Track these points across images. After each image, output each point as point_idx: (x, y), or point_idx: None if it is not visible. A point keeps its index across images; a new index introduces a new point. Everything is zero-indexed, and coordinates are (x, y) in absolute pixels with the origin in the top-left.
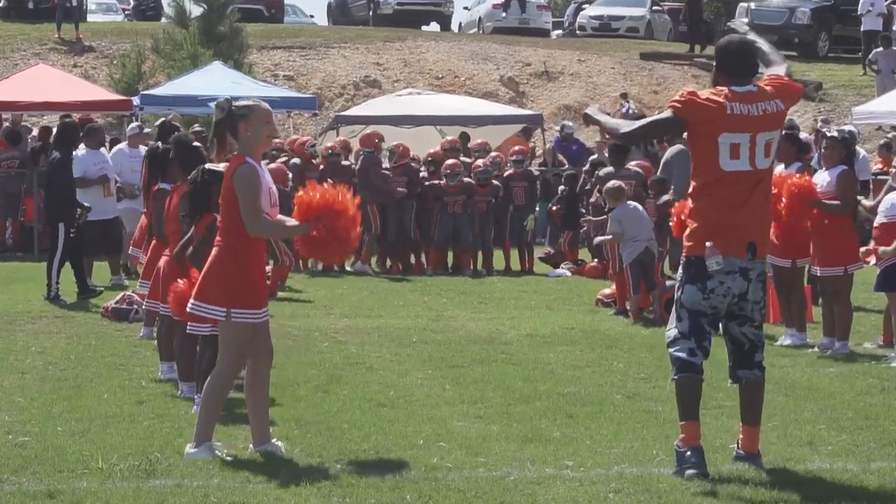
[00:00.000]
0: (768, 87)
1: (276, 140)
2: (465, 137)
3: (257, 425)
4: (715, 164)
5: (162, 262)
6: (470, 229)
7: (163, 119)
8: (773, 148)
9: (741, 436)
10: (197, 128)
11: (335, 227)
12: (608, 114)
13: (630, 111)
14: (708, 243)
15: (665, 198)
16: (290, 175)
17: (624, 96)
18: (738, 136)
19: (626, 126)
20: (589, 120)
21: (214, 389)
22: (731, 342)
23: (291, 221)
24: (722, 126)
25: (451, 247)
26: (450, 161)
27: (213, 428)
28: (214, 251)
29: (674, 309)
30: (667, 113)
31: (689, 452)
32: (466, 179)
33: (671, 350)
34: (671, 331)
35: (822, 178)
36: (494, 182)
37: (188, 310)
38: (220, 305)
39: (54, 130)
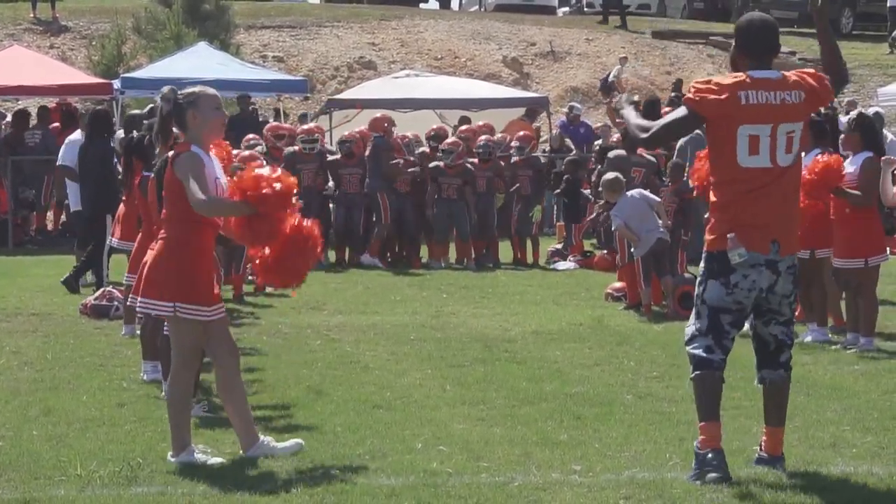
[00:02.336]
0: (794, 77)
1: (283, 126)
2: (464, 122)
3: (242, 428)
4: (733, 160)
5: (148, 255)
6: (466, 217)
7: (133, 112)
8: (795, 142)
9: (764, 438)
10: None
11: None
12: (636, 106)
13: (611, 77)
14: (730, 235)
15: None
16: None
17: (623, 60)
18: (758, 128)
19: (644, 133)
20: (617, 110)
21: (174, 392)
22: (757, 341)
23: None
24: (738, 118)
25: (451, 236)
26: (450, 139)
27: (189, 431)
28: (158, 244)
29: (695, 306)
30: (683, 110)
31: (710, 455)
32: (468, 165)
33: (688, 348)
34: (689, 328)
35: (846, 166)
36: (500, 162)
37: (137, 308)
38: (167, 300)
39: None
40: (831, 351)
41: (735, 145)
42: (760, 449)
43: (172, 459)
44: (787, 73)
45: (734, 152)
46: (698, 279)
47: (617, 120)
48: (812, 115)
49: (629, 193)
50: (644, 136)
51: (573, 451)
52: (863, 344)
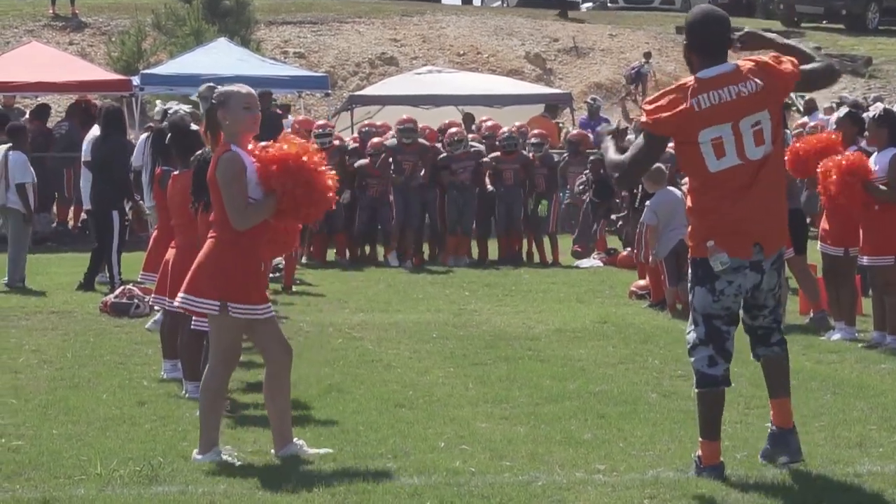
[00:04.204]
0: (748, 65)
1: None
2: (468, 119)
3: (279, 428)
4: (702, 168)
5: (170, 253)
6: (471, 209)
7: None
8: (766, 132)
9: (772, 411)
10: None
11: (294, 190)
12: (621, 134)
13: (637, 72)
14: (709, 243)
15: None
16: None
17: (647, 55)
18: (718, 129)
19: (618, 170)
20: (597, 143)
21: (209, 390)
22: (747, 329)
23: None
24: (696, 126)
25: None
26: (453, 129)
27: (218, 430)
28: (208, 243)
29: (690, 311)
30: (642, 138)
31: (707, 472)
32: (476, 148)
33: (691, 360)
34: (689, 334)
35: (872, 162)
36: (523, 151)
37: (176, 303)
38: (214, 298)
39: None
40: (858, 349)
41: (700, 153)
42: (771, 424)
43: (199, 457)
44: (741, 63)
45: (702, 160)
46: (689, 285)
47: (631, 116)
48: (858, 111)
49: (671, 188)
50: (616, 175)
51: (597, 450)
52: (889, 342)
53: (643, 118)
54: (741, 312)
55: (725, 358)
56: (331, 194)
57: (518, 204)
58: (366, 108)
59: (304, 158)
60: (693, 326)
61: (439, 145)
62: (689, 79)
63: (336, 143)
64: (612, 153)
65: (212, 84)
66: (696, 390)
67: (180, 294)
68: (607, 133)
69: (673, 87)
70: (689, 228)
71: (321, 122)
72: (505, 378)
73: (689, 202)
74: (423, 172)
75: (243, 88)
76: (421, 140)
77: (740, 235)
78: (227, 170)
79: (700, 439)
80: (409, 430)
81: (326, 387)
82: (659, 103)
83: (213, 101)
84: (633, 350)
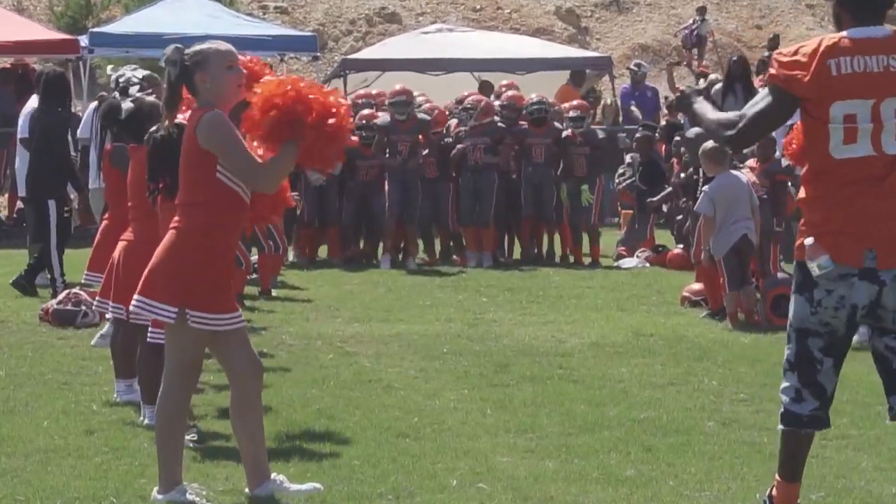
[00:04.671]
0: None
1: None
2: (486, 88)
3: (253, 462)
4: (824, 149)
5: (119, 249)
6: (491, 193)
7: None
8: None
9: None
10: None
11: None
12: (712, 101)
13: (695, 33)
14: (807, 241)
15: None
16: None
17: (701, 11)
18: (854, 106)
19: (729, 129)
20: (682, 106)
21: (164, 415)
22: (877, 360)
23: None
24: (830, 94)
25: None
26: (472, 98)
27: (181, 465)
28: (170, 234)
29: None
30: (769, 95)
31: None
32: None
33: (781, 386)
34: (787, 351)
35: None
36: (555, 123)
37: (131, 308)
38: (170, 303)
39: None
40: None
41: (826, 133)
42: None
43: (159, 497)
44: None
45: (826, 142)
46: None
47: (679, 86)
48: None
49: (735, 172)
50: (729, 133)
51: (642, 489)
52: None
53: (773, 70)
54: (871, 339)
55: (815, 395)
56: (346, 121)
57: (549, 187)
58: (362, 74)
59: (297, 84)
60: (787, 343)
61: (453, 122)
62: (835, 36)
63: None
64: (712, 111)
65: (179, 45)
66: (780, 426)
67: (135, 296)
68: (695, 94)
69: (813, 40)
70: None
71: None
72: (530, 402)
73: (801, 192)
74: (425, 152)
75: (222, 45)
76: (420, 115)
77: (848, 237)
78: (220, 127)
79: (777, 477)
80: (415, 465)
81: (314, 412)
82: (795, 57)
83: (187, 64)
84: (685, 369)
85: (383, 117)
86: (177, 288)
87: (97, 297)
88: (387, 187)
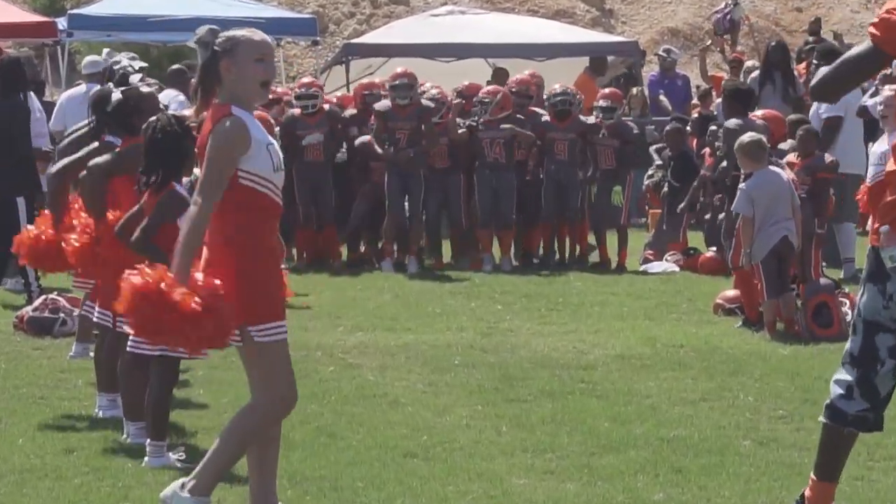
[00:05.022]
0: None
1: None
2: (501, 75)
3: (261, 487)
4: None
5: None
6: (512, 191)
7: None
8: None
9: None
10: (176, 66)
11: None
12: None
13: (727, 17)
14: (883, 228)
15: (829, 158)
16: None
17: None
18: None
19: (819, 80)
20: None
21: (244, 431)
22: None
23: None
24: None
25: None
26: (489, 87)
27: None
28: (212, 250)
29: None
30: (864, 46)
31: None
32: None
33: (834, 376)
34: (849, 343)
35: None
36: (581, 117)
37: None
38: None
39: None
40: None
41: None
42: None
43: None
44: None
45: None
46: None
47: (711, 74)
48: None
49: (774, 168)
50: (812, 83)
51: None
52: None
53: (875, 21)
54: None
55: (867, 395)
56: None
57: (574, 185)
58: (366, 60)
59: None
60: (851, 334)
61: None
62: None
63: (325, 106)
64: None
65: (214, 27)
66: (823, 419)
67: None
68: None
69: None
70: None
71: (305, 79)
72: (549, 419)
73: (890, 163)
74: (426, 143)
75: (257, 34)
76: (424, 100)
77: None
78: (221, 138)
79: (812, 476)
80: (423, 487)
81: (313, 430)
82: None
83: (216, 49)
84: (719, 383)
85: (382, 102)
86: (239, 305)
87: (84, 304)
88: (385, 181)
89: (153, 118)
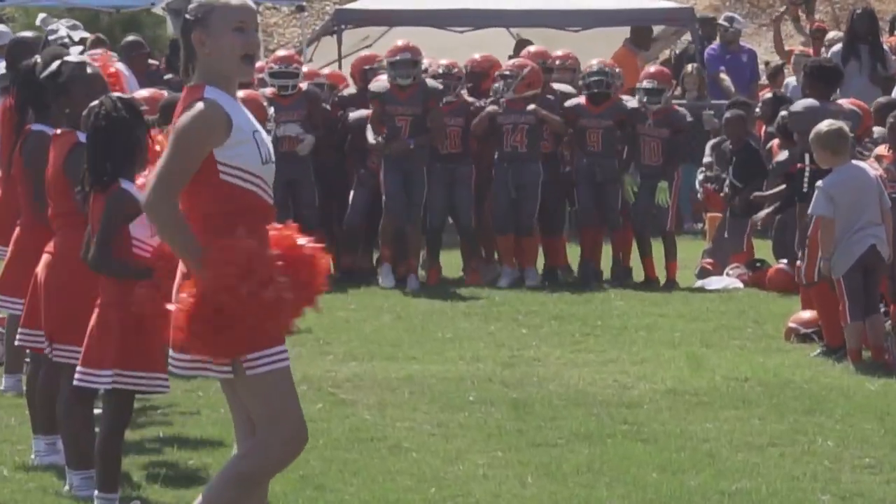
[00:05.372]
0: None
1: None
2: (523, 48)
3: None
4: None
5: (42, 266)
6: (535, 191)
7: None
8: None
9: None
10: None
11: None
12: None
13: None
14: None
15: None
16: (271, 112)
17: None
18: None
19: None
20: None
21: (241, 481)
22: None
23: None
24: None
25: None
26: (513, 61)
27: None
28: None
29: None
30: None
31: None
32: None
33: None
34: None
35: None
36: (622, 98)
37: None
38: (272, 345)
39: None
40: None
41: None
42: None
43: None
44: None
45: None
46: None
47: (788, 48)
48: None
49: (858, 163)
50: None
51: None
52: None
53: None
54: None
55: None
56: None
57: (612, 184)
58: (363, 30)
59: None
60: None
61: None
62: None
63: (303, 85)
64: None
65: None
66: None
67: (174, 356)
68: None
69: None
70: None
71: (282, 52)
72: (585, 468)
73: None
74: (432, 132)
75: (233, 0)
76: (429, 80)
77: None
78: (189, 123)
79: None
80: None
81: (297, 479)
82: None
83: (188, 17)
84: (791, 424)
85: (379, 82)
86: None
87: (20, 328)
88: (382, 176)
89: (95, 103)
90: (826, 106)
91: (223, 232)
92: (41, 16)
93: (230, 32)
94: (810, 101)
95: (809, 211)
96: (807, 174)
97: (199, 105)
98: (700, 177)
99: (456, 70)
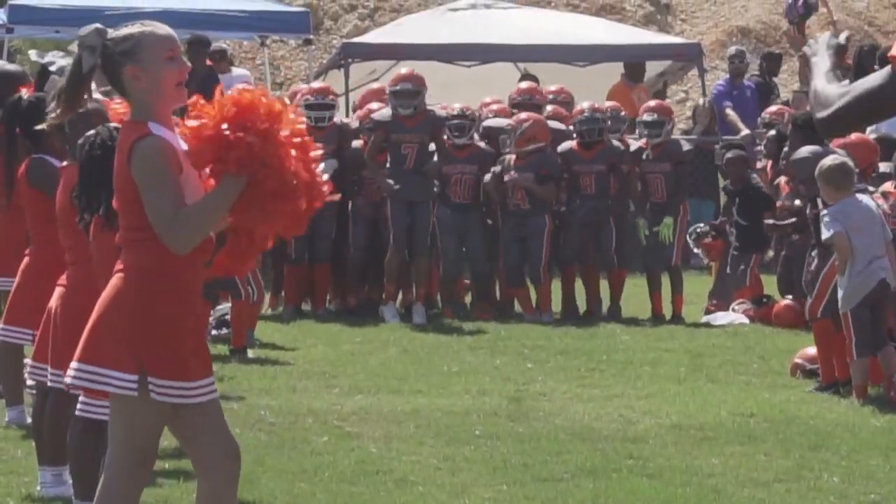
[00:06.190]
0: None
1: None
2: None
3: None
4: None
5: (55, 298)
6: (540, 243)
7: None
8: None
9: None
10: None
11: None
12: (840, 53)
13: (803, 2)
14: None
15: None
16: None
17: None
18: None
19: (825, 106)
20: (807, 59)
21: None
22: None
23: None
24: None
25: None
26: (522, 115)
27: None
28: (114, 281)
29: None
30: (883, 74)
31: None
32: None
33: None
34: None
35: None
36: (614, 141)
37: (68, 379)
38: (129, 371)
39: None
40: None
41: None
42: None
43: None
44: None
45: None
46: None
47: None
48: None
49: (861, 197)
50: (821, 114)
51: None
52: None
53: (893, 50)
54: None
55: None
56: (321, 178)
57: (607, 227)
58: (369, 64)
59: (269, 108)
60: None
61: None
62: None
63: (336, 119)
64: (824, 74)
65: (100, 26)
66: None
67: (75, 364)
68: (827, 47)
69: None
70: None
71: (317, 84)
72: (591, 503)
73: None
74: (435, 159)
75: (159, 28)
76: (431, 108)
77: None
78: (151, 161)
79: None
80: None
81: None
82: None
83: (113, 51)
84: (797, 460)
85: (383, 111)
86: (134, 349)
87: (29, 361)
88: (388, 209)
89: (90, 132)
90: (827, 150)
91: (160, 254)
92: (32, 52)
93: (164, 63)
94: (813, 147)
95: (823, 238)
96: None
97: (149, 142)
98: (692, 237)
99: (470, 112)
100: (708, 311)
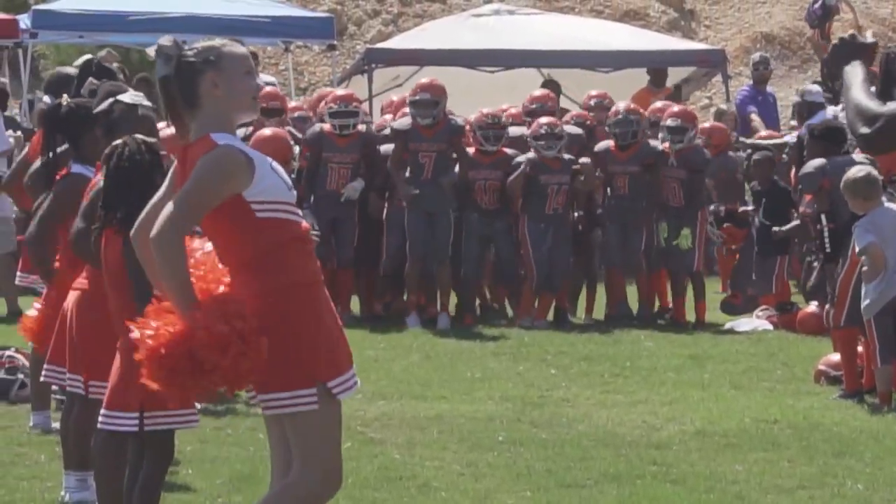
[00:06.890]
0: None
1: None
2: (552, 89)
3: None
4: None
5: (71, 301)
6: (568, 244)
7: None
8: None
9: None
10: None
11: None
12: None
13: (822, 4)
14: None
15: None
16: (296, 150)
17: None
18: None
19: (867, 125)
20: (835, 60)
21: None
22: None
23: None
24: None
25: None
26: (544, 119)
27: None
28: (255, 310)
29: None
30: None
31: None
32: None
33: None
34: None
35: None
36: (650, 141)
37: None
38: (306, 385)
39: None
40: None
41: None
42: None
43: None
44: None
45: None
46: None
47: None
48: None
49: (889, 205)
50: (864, 130)
51: None
52: None
53: None
54: None
55: None
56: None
57: (639, 230)
58: (392, 69)
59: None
60: None
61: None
62: None
63: (362, 127)
64: (860, 86)
65: (175, 37)
66: None
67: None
68: (856, 46)
69: None
70: None
71: (341, 91)
72: None
73: None
74: (456, 169)
75: (236, 46)
76: (452, 117)
77: None
78: (217, 166)
79: None
80: None
81: None
82: None
83: (192, 61)
84: (821, 467)
85: (402, 120)
86: (306, 364)
87: (46, 364)
88: (406, 216)
89: (118, 142)
90: (835, 160)
91: (277, 269)
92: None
93: (243, 76)
94: (818, 161)
95: (857, 249)
96: (826, 235)
97: (219, 152)
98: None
99: (503, 121)
100: (725, 304)
